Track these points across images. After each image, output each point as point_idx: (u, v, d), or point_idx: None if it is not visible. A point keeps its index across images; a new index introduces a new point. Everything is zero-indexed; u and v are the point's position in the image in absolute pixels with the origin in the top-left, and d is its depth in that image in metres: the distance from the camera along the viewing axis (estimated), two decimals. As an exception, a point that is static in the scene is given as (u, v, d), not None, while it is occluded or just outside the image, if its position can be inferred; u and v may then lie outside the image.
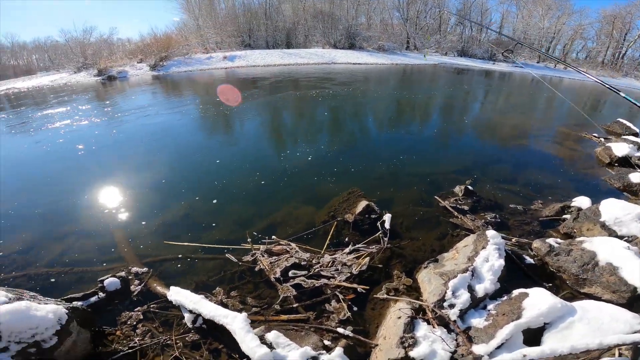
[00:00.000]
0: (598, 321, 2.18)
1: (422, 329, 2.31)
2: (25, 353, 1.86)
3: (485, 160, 6.29)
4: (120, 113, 10.04)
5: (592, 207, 3.73)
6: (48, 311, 1.92)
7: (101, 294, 2.65)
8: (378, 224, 3.88)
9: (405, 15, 34.88)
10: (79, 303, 2.47)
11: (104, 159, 6.19)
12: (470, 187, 4.67)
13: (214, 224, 4.04)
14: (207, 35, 29.77)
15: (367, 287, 2.97)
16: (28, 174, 5.76)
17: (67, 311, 2.04)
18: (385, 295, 2.83)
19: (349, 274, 3.10)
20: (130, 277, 3.05)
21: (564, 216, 4.13)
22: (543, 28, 33.47)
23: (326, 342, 2.36)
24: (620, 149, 5.96)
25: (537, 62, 32.67)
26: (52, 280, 3.12)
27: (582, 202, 4.21)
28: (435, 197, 4.61)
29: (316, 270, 3.15)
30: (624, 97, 2.55)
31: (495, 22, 37.78)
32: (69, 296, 2.55)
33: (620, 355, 1.95)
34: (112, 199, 4.60)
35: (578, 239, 3.24)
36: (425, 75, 20.90)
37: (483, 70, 23.15)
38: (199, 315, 2.49)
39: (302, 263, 3.24)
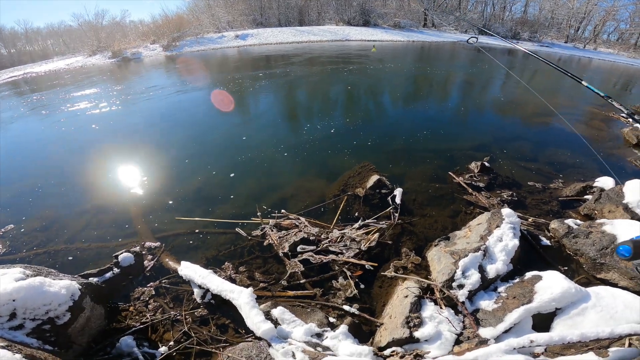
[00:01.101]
0: (611, 309, 2.08)
1: (429, 309, 2.27)
2: (40, 330, 1.91)
3: (505, 138, 6.04)
4: (137, 92, 10.20)
5: (616, 188, 3.53)
6: (61, 287, 1.96)
7: (116, 270, 2.72)
8: (389, 198, 3.82)
9: (422, -9, 33.05)
10: (95, 279, 2.54)
11: (124, 137, 6.33)
12: (486, 164, 4.51)
13: (231, 197, 4.12)
14: (219, 15, 29.29)
15: (376, 264, 2.95)
16: (51, 153, 5.93)
17: (80, 287, 2.09)
18: (393, 274, 2.81)
19: (357, 250, 3.08)
20: (143, 253, 3.13)
21: (585, 196, 3.94)
22: (572, 8, 31.21)
23: (331, 319, 2.37)
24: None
25: (565, 42, 30.77)
26: (71, 256, 3.23)
27: (605, 182, 4.00)
28: (450, 173, 4.49)
29: (324, 245, 3.15)
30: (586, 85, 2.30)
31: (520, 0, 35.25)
32: (85, 272, 2.63)
33: (630, 345, 1.87)
34: (131, 175, 4.73)
35: (598, 221, 3.08)
36: (444, 52, 20.04)
37: (506, 48, 21.98)
38: (207, 290, 2.54)
39: (311, 238, 3.24)
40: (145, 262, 3.04)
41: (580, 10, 31.31)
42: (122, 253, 2.88)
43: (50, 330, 1.95)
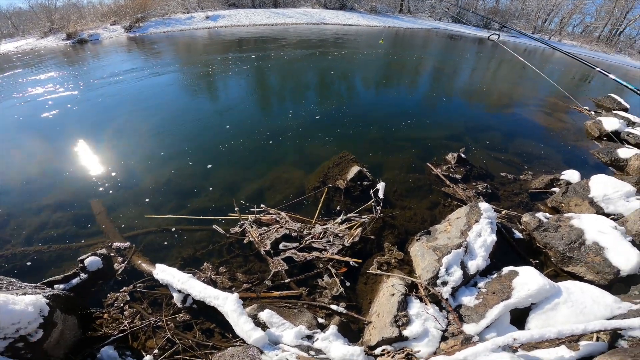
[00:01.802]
0: (581, 304, 2.22)
1: (415, 307, 2.32)
2: (14, 349, 1.77)
3: (476, 127, 6.23)
4: (97, 76, 9.33)
5: (582, 182, 3.75)
6: (27, 304, 1.78)
7: (83, 275, 2.52)
8: (371, 192, 3.82)
9: (399, -24, 32.77)
10: (61, 286, 2.35)
11: (87, 125, 5.79)
12: (463, 155, 4.64)
13: (210, 189, 3.95)
14: (187, -8, 27.49)
15: (360, 260, 2.96)
16: (3, 144, 5.32)
17: (47, 301, 1.92)
18: (377, 271, 2.83)
19: (340, 246, 3.06)
20: (112, 255, 2.93)
21: (553, 189, 4.16)
22: (542, 0, 32.35)
23: (320, 320, 2.36)
24: (610, 123, 5.97)
25: (532, 33, 31.97)
26: (30, 261, 2.96)
27: (571, 175, 4.23)
28: (428, 164, 4.58)
29: (307, 242, 3.10)
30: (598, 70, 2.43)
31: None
32: (49, 279, 2.42)
33: (598, 339, 2.01)
34: (96, 168, 4.38)
35: (567, 215, 3.26)
36: (418, 40, 20.18)
37: (477, 37, 22.59)
38: (188, 294, 2.43)
39: (293, 234, 3.17)
40: (115, 265, 2.85)
41: (549, 2, 32.51)
42: (88, 257, 2.67)
43: (24, 348, 1.81)
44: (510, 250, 3.19)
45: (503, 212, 3.71)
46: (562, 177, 4.30)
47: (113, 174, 4.21)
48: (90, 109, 6.62)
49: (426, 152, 4.96)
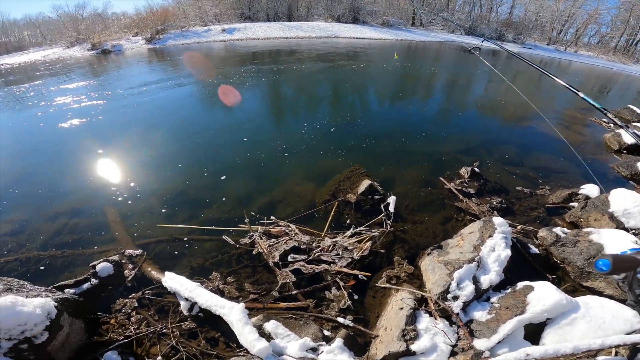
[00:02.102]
0: (599, 319, 2.11)
1: (424, 321, 2.25)
2: (17, 350, 1.79)
3: (491, 141, 6.11)
4: (118, 87, 9.70)
5: (602, 197, 3.61)
6: (35, 306, 1.81)
7: (94, 280, 2.56)
8: (382, 206, 3.77)
9: (412, -10, 33.21)
10: (71, 290, 2.39)
11: (107, 135, 5.97)
12: (476, 169, 4.54)
13: (223, 199, 3.98)
14: (205, 8, 28.61)
15: (369, 274, 2.90)
16: (26, 151, 5.54)
17: (56, 304, 1.95)
18: (386, 284, 2.77)
19: (350, 259, 3.02)
20: (123, 261, 2.97)
21: (571, 204, 4.02)
22: (557, 10, 32.07)
23: (326, 332, 2.31)
24: (630, 136, 5.76)
25: (547, 44, 31.65)
26: (44, 266, 3.02)
27: (590, 190, 4.09)
28: (441, 178, 4.50)
29: (316, 254, 3.07)
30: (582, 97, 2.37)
31: (506, 1, 35.96)
32: (60, 283, 2.46)
33: (617, 354, 1.90)
34: (113, 176, 4.50)
35: (585, 230, 3.14)
36: (430, 52, 20.25)
37: (490, 49, 22.54)
38: (195, 303, 2.43)
39: (302, 247, 3.15)
40: (126, 272, 2.88)
41: (564, 13, 32.21)
42: (100, 263, 2.72)
43: (28, 350, 1.82)
44: (526, 265, 3.07)
45: (518, 227, 3.60)
46: (580, 192, 4.15)
47: (132, 184, 4.30)
48: (113, 119, 6.86)
49: (439, 166, 4.88)
